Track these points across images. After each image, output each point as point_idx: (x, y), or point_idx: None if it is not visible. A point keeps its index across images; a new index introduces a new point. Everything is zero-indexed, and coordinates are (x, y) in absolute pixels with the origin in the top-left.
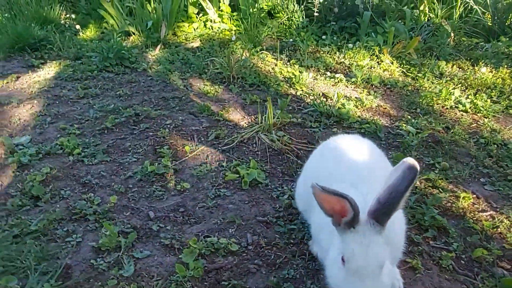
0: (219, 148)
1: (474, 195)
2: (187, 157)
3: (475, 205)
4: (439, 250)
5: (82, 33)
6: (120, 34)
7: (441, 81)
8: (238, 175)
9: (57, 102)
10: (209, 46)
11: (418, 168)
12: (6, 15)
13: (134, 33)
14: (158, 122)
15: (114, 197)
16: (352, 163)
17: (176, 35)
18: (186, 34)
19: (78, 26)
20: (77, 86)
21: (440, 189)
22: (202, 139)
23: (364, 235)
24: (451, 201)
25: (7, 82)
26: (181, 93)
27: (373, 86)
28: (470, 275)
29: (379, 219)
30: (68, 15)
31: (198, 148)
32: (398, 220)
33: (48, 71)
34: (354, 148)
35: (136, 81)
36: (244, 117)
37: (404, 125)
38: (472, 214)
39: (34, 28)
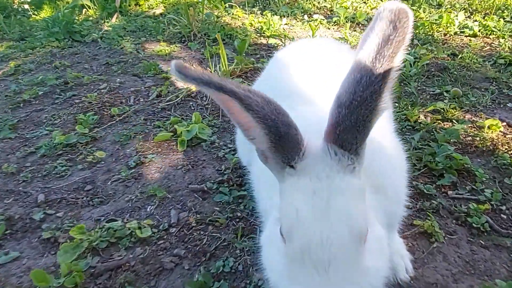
0: (158, 106)
1: (504, 123)
2: (114, 121)
3: (507, 135)
4: (464, 203)
5: (35, 15)
6: (70, 8)
7: (439, 10)
8: (173, 134)
9: None
10: (174, 11)
11: (410, 14)
12: None
13: (88, 6)
14: (91, 88)
15: None
16: (306, 73)
17: (139, 4)
18: (149, 2)
19: (27, 6)
20: (10, 64)
21: (454, 121)
22: (141, 100)
23: (318, 177)
24: (471, 133)
25: None
26: (129, 57)
27: (360, 25)
28: None
29: (346, 138)
30: (23, 0)
31: (130, 110)
32: (390, 147)
33: None
34: (311, 54)
35: (81, 52)
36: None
37: None
38: (506, 147)
39: None
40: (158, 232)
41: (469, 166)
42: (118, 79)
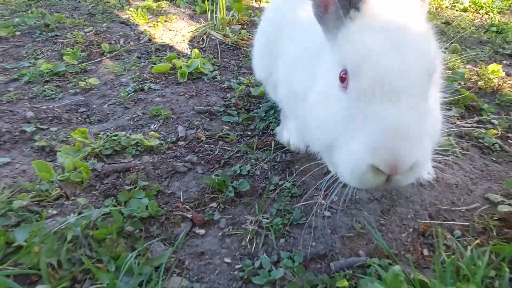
0: (151, 48)
1: (503, 72)
2: (104, 57)
3: (507, 82)
4: (474, 130)
5: None
6: None
7: None
8: (172, 67)
9: None
10: None
11: None
12: None
13: None
14: (75, 30)
15: None
16: None
17: None
18: None
19: None
20: None
21: (456, 68)
22: (131, 43)
23: (386, 18)
24: (473, 79)
25: None
26: (114, 9)
27: None
28: None
29: None
30: None
31: (121, 49)
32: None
33: None
34: None
35: (58, 4)
36: (192, 24)
37: None
38: (508, 89)
39: None
40: (166, 144)
41: (475, 101)
42: (105, 24)
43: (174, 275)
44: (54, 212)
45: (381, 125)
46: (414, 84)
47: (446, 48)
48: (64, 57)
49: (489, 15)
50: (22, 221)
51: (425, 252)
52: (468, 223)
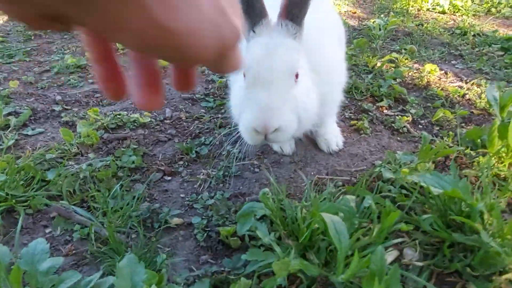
0: None
1: (442, 71)
2: (116, 54)
3: (442, 79)
4: (393, 117)
5: None
6: None
7: None
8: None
9: None
10: None
11: None
12: None
13: None
14: None
15: (15, 82)
16: None
17: None
18: None
19: None
20: None
21: (403, 67)
22: None
23: (270, 37)
24: (414, 76)
25: None
26: None
27: None
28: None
29: (295, 13)
30: None
31: None
32: (335, 51)
33: None
34: None
35: None
36: None
37: (372, 20)
38: (438, 85)
39: None
40: (155, 121)
41: (405, 95)
42: None
43: (146, 202)
44: (73, 163)
45: (257, 104)
46: (279, 79)
47: (405, 49)
48: (86, 53)
49: (463, 17)
50: (51, 167)
51: (312, 194)
52: (349, 179)
